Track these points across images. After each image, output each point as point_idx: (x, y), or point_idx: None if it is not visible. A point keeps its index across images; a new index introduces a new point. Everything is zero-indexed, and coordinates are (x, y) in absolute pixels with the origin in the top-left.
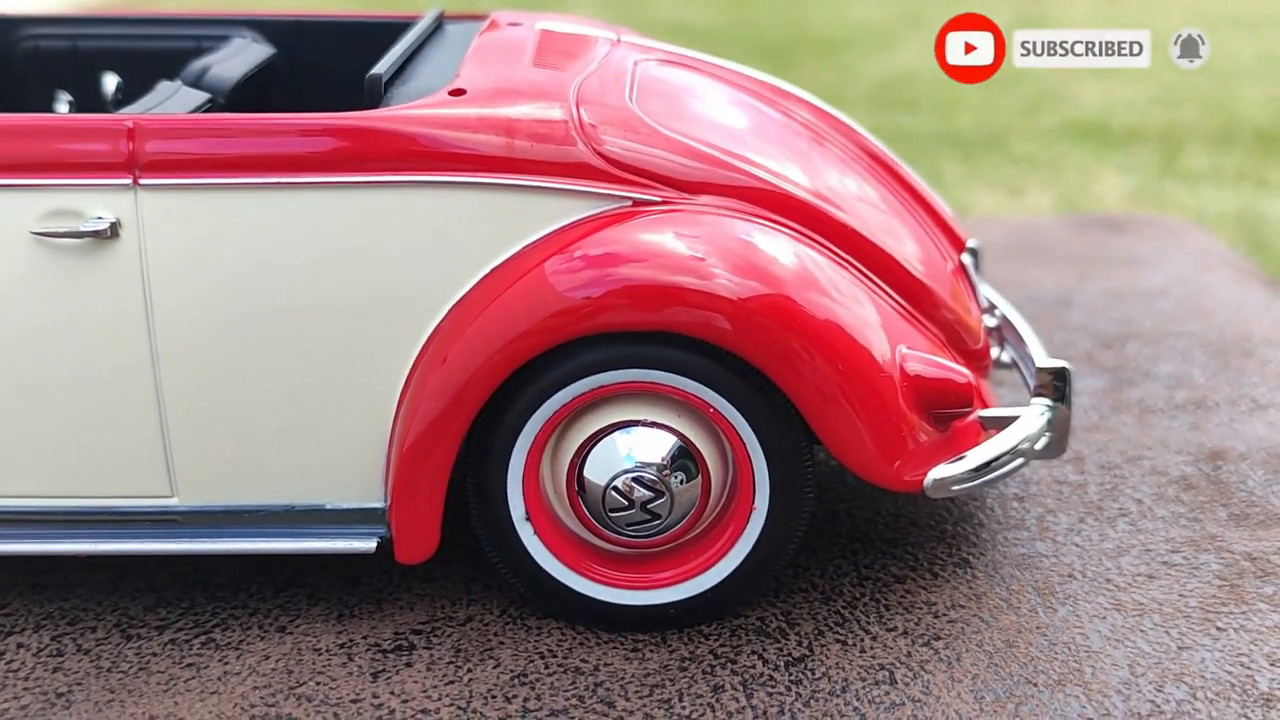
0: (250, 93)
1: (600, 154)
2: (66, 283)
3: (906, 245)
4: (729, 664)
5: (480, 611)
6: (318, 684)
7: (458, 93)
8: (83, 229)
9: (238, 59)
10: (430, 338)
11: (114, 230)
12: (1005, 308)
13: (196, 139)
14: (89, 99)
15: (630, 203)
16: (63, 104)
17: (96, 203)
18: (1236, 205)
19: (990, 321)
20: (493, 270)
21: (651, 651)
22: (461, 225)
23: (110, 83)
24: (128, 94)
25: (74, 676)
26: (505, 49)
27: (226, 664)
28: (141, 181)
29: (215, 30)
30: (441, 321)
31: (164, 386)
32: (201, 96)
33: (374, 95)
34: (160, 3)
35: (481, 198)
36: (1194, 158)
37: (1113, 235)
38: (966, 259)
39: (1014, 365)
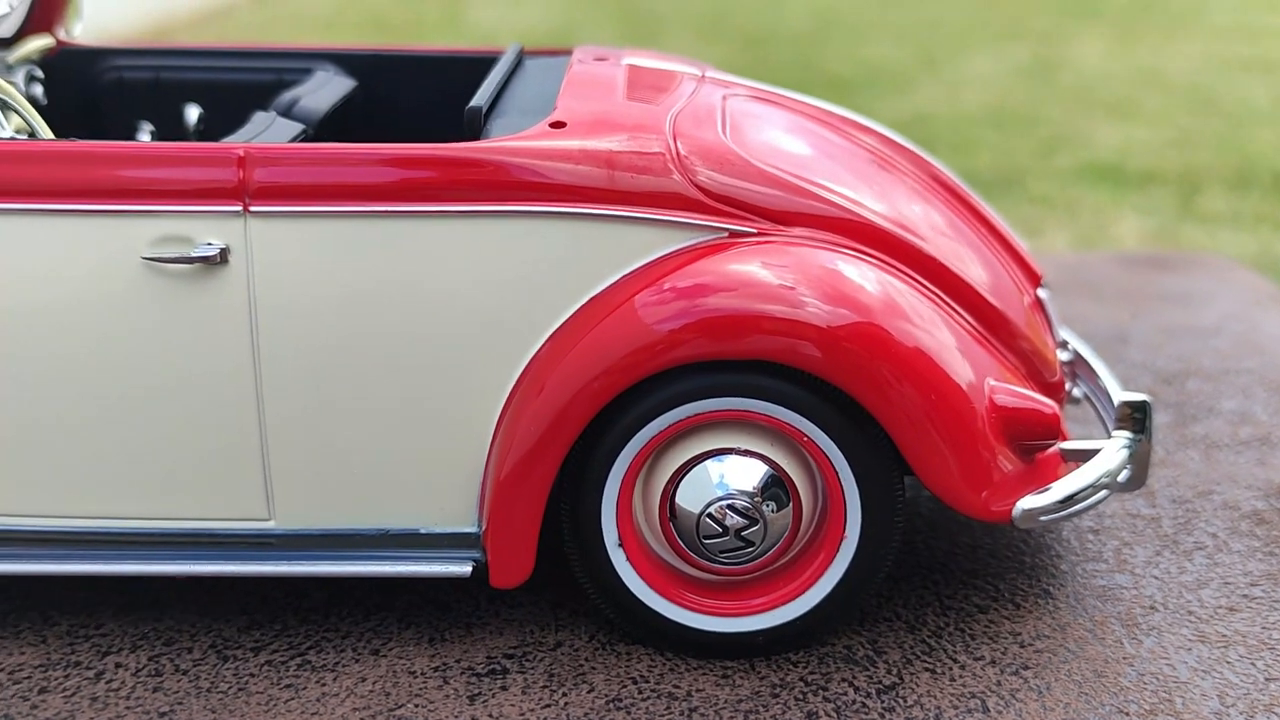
0: (334, 124)
1: (697, 186)
2: (175, 307)
3: (987, 277)
4: (820, 691)
5: (569, 637)
6: (416, 706)
7: (558, 125)
8: (193, 255)
9: (324, 91)
10: (528, 366)
11: (224, 256)
12: (1076, 342)
13: (306, 167)
14: (170, 129)
15: (726, 234)
16: (144, 134)
17: (207, 229)
18: (1255, 248)
19: (1064, 356)
20: (591, 300)
21: (741, 678)
22: (561, 255)
23: (192, 113)
24: (209, 125)
25: (175, 696)
26: (597, 83)
27: (324, 685)
28: (252, 208)
29: (295, 63)
30: (539, 350)
31: (266, 411)
32: (297, 127)
33: (474, 127)
34: (232, 36)
35: (581, 228)
36: (1211, 200)
37: (1160, 272)
38: (1043, 293)
39: (1085, 400)
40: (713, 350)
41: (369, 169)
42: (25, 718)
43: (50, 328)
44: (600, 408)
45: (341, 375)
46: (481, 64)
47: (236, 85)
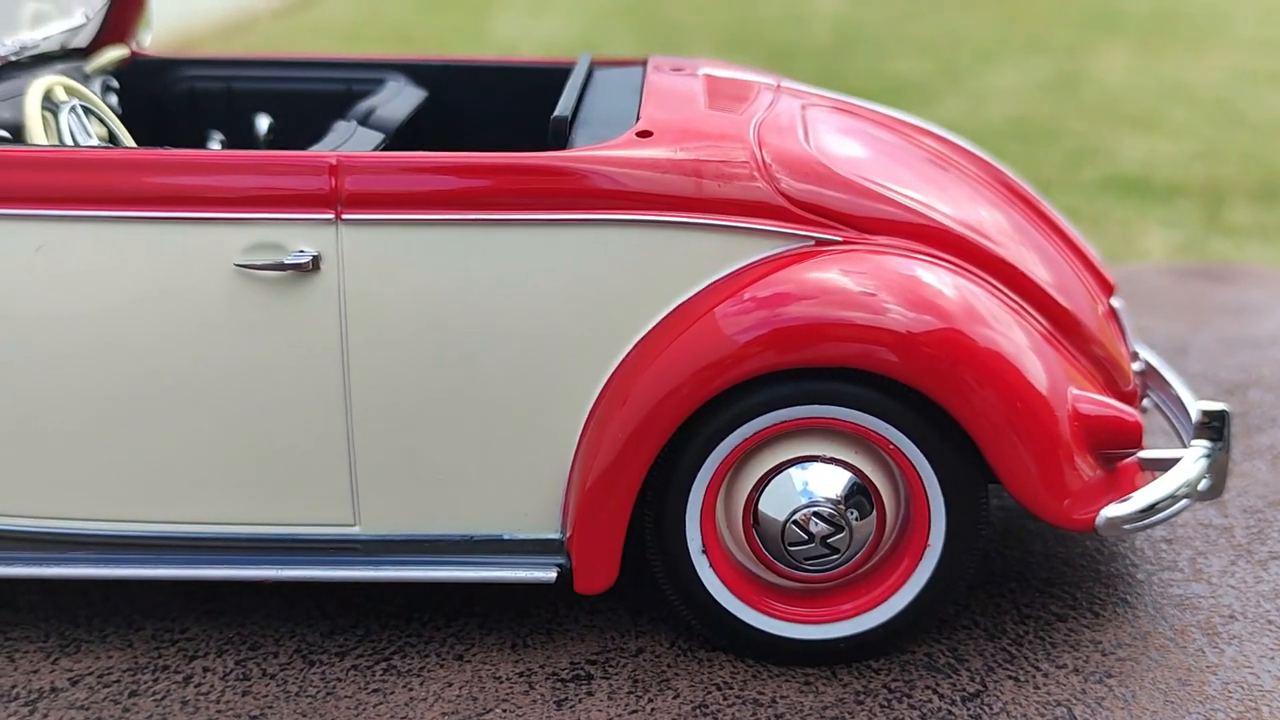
0: (407, 134)
1: (783, 194)
2: (266, 314)
3: (1064, 287)
4: (904, 698)
5: (650, 644)
6: (504, 711)
7: (645, 134)
8: (286, 262)
9: (398, 101)
10: (614, 374)
11: (315, 264)
12: (1146, 352)
13: (397, 175)
14: (240, 139)
15: (813, 242)
16: (215, 143)
17: (299, 236)
18: None
19: (1135, 367)
20: (676, 308)
21: (824, 685)
22: (648, 264)
23: (263, 123)
24: (279, 134)
25: (264, 700)
26: (678, 93)
27: (411, 690)
28: (344, 216)
29: (365, 74)
30: (625, 358)
31: (354, 417)
32: (377, 136)
33: (559, 136)
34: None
35: (668, 236)
36: (1237, 213)
37: (1214, 284)
38: (1116, 303)
39: (1156, 410)
40: (796, 359)
41: (459, 177)
42: None
43: (142, 334)
44: (684, 418)
45: (429, 382)
46: (548, 74)
47: (306, 95)
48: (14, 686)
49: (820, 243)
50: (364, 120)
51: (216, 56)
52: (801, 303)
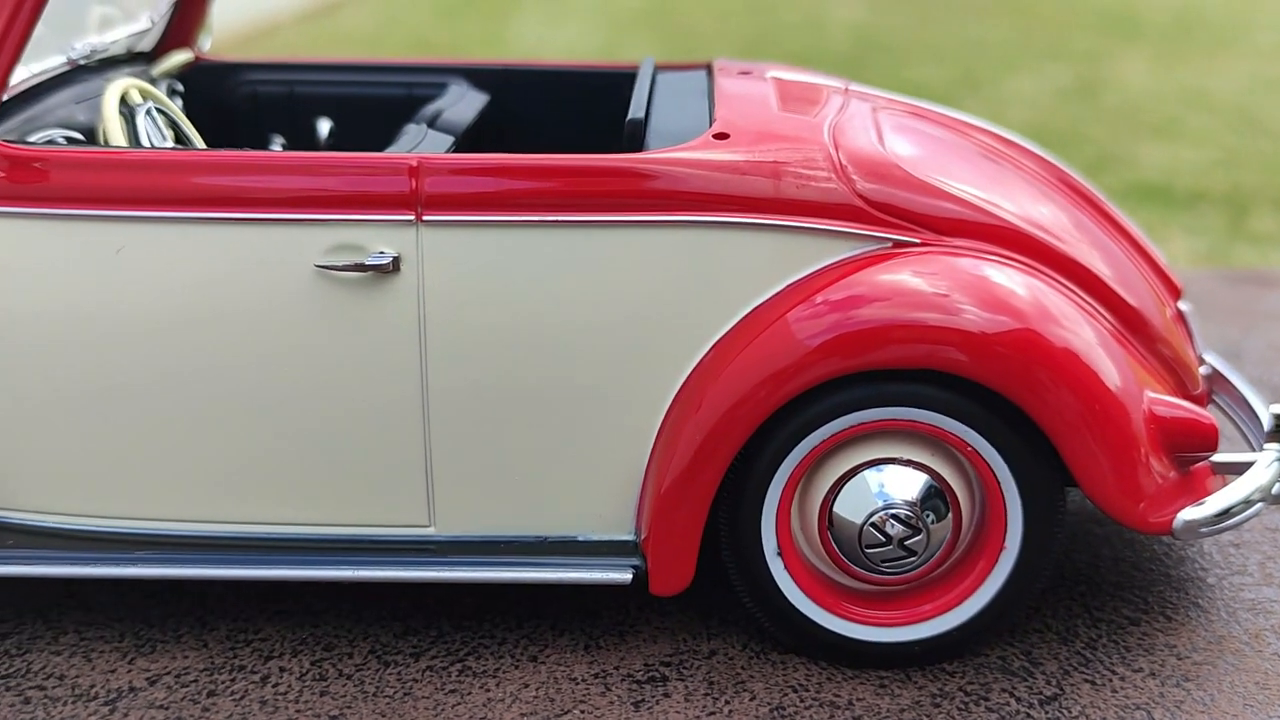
0: (471, 137)
1: (860, 195)
2: (346, 315)
3: (1130, 285)
4: (981, 701)
5: (723, 646)
6: (582, 712)
7: (722, 136)
8: (366, 263)
9: (463, 104)
10: (690, 377)
11: (395, 265)
12: (1211, 357)
13: (477, 177)
14: (301, 142)
15: (890, 244)
16: (276, 146)
17: (379, 238)
18: None
19: (1203, 370)
20: (754, 310)
21: (900, 687)
22: (725, 266)
23: (324, 127)
24: (340, 138)
25: (342, 700)
26: (751, 96)
27: (488, 691)
28: (424, 218)
29: (426, 78)
30: (701, 360)
31: (431, 418)
32: (448, 139)
33: (635, 138)
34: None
35: (746, 238)
36: (1261, 220)
37: (1265, 289)
38: (1184, 306)
39: (1222, 414)
40: (869, 361)
41: (539, 179)
42: None
43: (222, 334)
44: (758, 425)
45: (506, 384)
46: (609, 78)
47: (367, 99)
48: (92, 686)
49: (898, 245)
50: (432, 123)
51: (278, 60)
52: (875, 305)
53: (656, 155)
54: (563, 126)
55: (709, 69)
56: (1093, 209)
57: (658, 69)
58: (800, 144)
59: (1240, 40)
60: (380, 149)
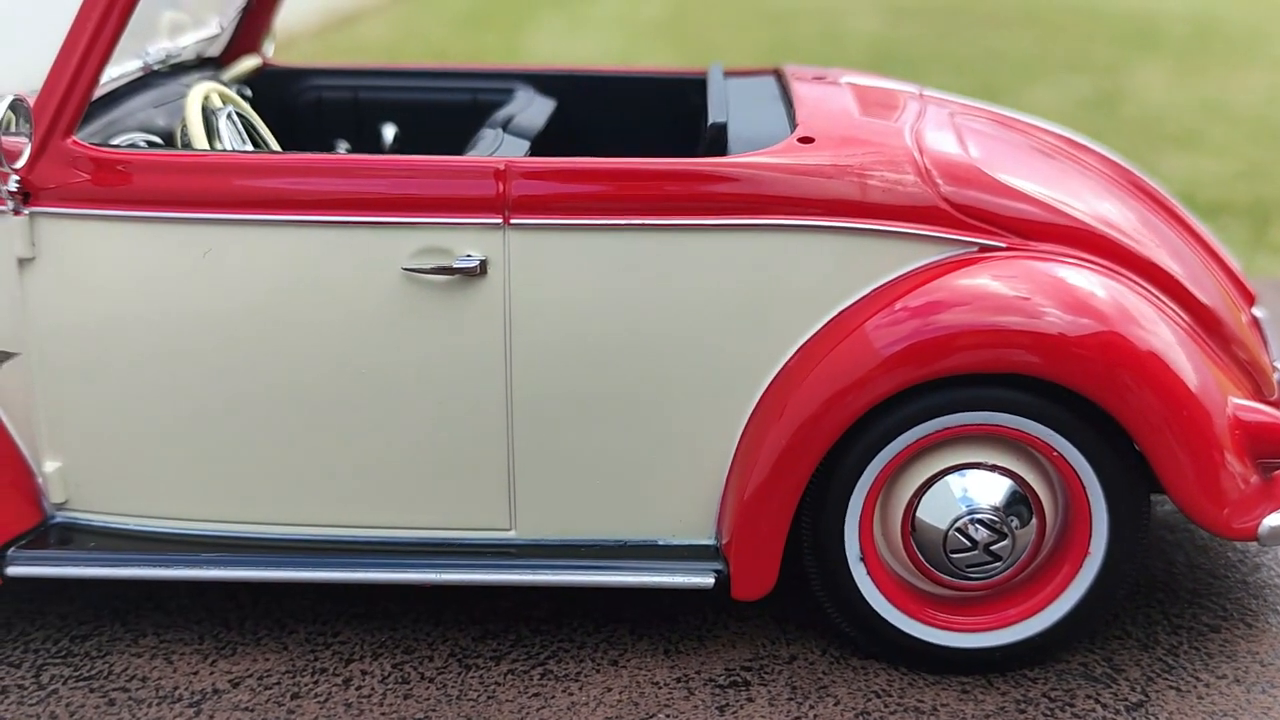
0: (540, 142)
1: (946, 200)
2: (432, 318)
3: (1208, 290)
4: (1067, 707)
5: (802, 650)
6: (667, 716)
7: (806, 140)
8: (454, 266)
9: (533, 109)
10: (773, 382)
11: (483, 268)
12: None
13: (564, 181)
14: (366, 147)
15: (977, 248)
16: (341, 151)
17: (467, 241)
18: None
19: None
20: (837, 315)
21: (982, 693)
22: (811, 270)
23: (388, 132)
24: (404, 143)
25: (427, 704)
26: (829, 100)
27: (571, 695)
28: (512, 221)
29: (491, 83)
30: (786, 364)
31: (515, 421)
32: (523, 143)
33: (718, 143)
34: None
35: (833, 243)
36: None
37: None
38: (1259, 312)
39: None
40: (952, 366)
41: (625, 182)
42: None
43: (307, 337)
44: (841, 431)
45: (589, 387)
46: (674, 84)
47: (432, 105)
48: (176, 687)
49: (984, 249)
50: (504, 128)
51: (344, 66)
52: (955, 310)
53: (744, 159)
54: (629, 132)
55: (778, 75)
56: (1163, 210)
57: (725, 75)
58: (885, 148)
59: (1260, 51)
60: (445, 154)
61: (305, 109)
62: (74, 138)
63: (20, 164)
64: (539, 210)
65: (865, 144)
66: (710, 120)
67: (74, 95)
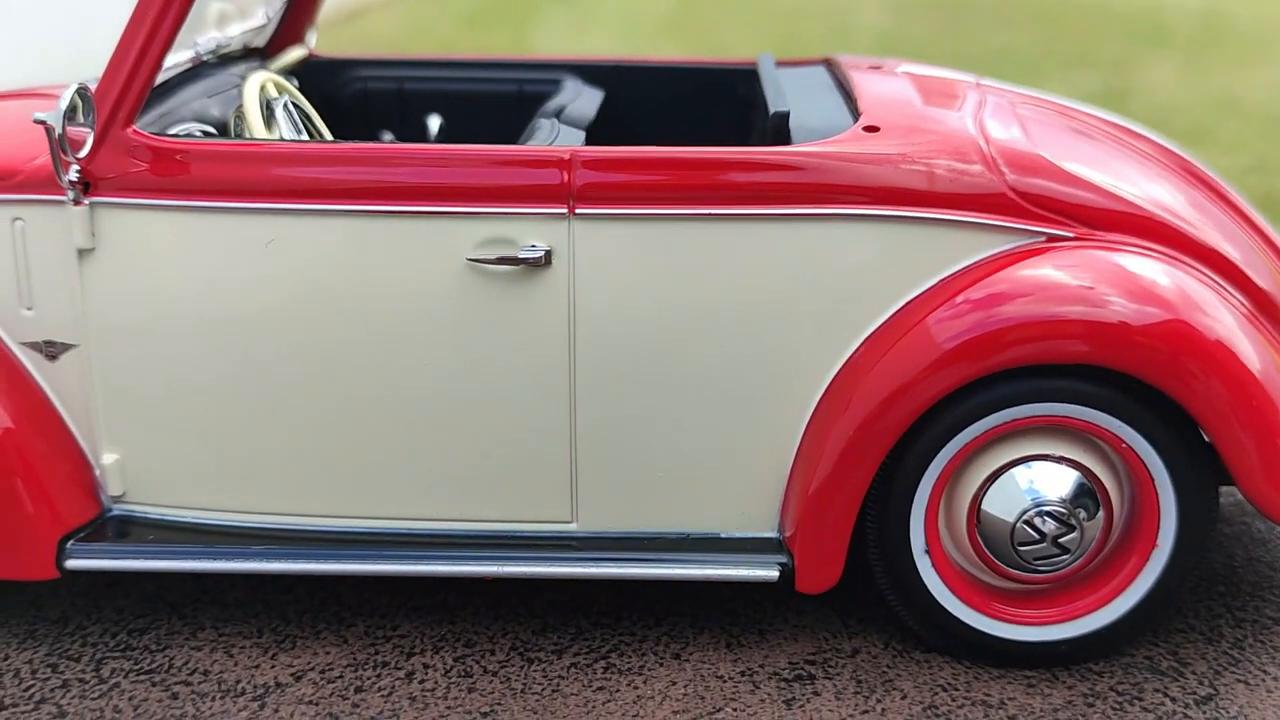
0: (592, 133)
1: (1013, 189)
2: (496, 309)
3: (1268, 279)
4: (1135, 701)
5: (864, 644)
6: (734, 710)
7: (872, 129)
8: (519, 256)
9: (583, 100)
10: (838, 374)
11: (548, 258)
12: None
13: (630, 170)
14: (411, 138)
15: (1044, 238)
16: (386, 142)
17: (531, 231)
18: None
19: None
20: (904, 306)
21: (1049, 687)
22: (877, 260)
23: (434, 123)
24: (450, 134)
25: (491, 697)
26: (889, 89)
27: (636, 689)
28: (577, 211)
29: (538, 74)
30: (851, 357)
31: (578, 412)
32: (579, 134)
33: (781, 132)
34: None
35: (899, 232)
36: None
37: None
38: None
39: None
40: (1020, 358)
41: (691, 172)
42: (349, 717)
43: (369, 327)
44: (908, 425)
45: (653, 379)
46: (722, 75)
47: (477, 95)
48: (238, 681)
49: (1052, 239)
50: (557, 118)
51: (389, 57)
52: (1018, 301)
53: (811, 148)
54: (676, 123)
55: (829, 64)
56: (1216, 194)
57: (776, 65)
58: (951, 137)
59: (1269, 47)
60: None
61: (350, 99)
62: (134, 127)
63: (83, 154)
64: (604, 200)
65: (931, 133)
66: (772, 109)
67: (135, 84)
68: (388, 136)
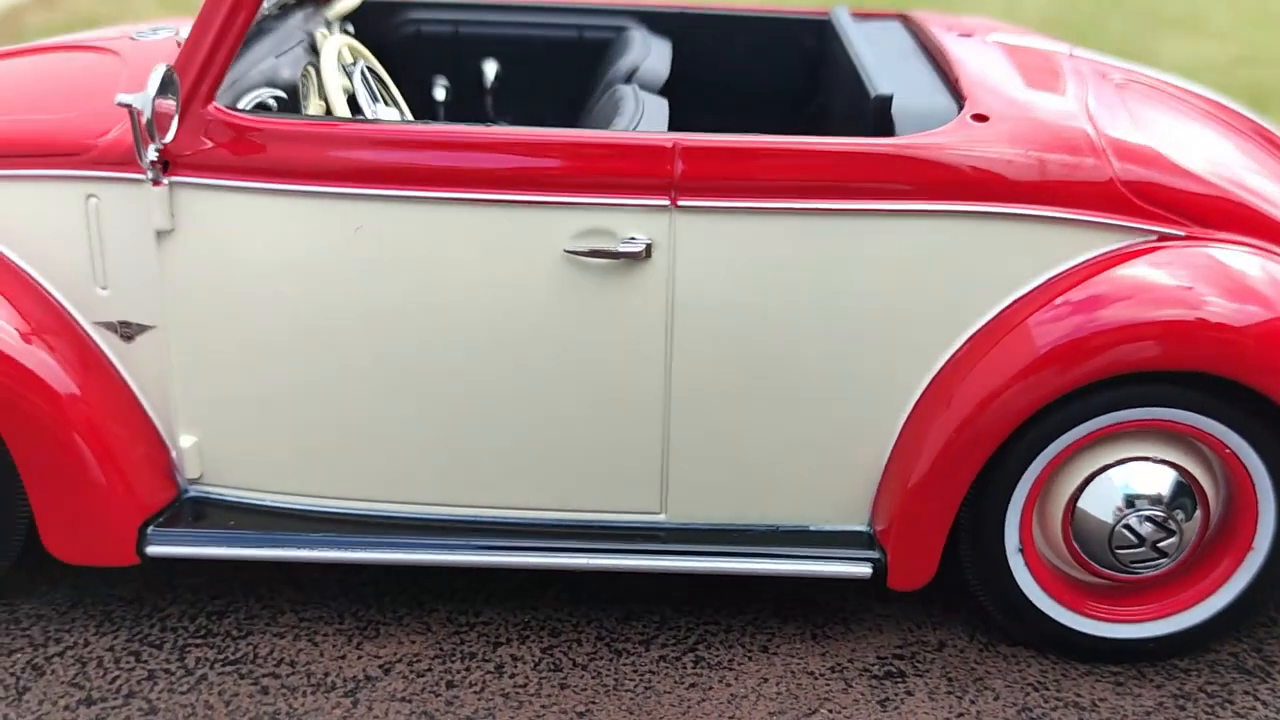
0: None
1: (1126, 185)
2: (593, 301)
3: None
4: (1226, 705)
5: (950, 637)
6: (830, 711)
7: (980, 118)
8: (619, 250)
9: (655, 57)
10: (941, 371)
11: (648, 251)
12: None
13: (735, 162)
14: (466, 84)
15: (1155, 237)
16: (439, 88)
17: (632, 223)
18: None
19: None
20: (1011, 304)
21: (1137, 686)
22: (984, 257)
23: (490, 68)
24: (505, 80)
25: (585, 695)
26: (989, 66)
27: (729, 686)
28: (680, 203)
29: (599, 19)
30: (954, 354)
31: (672, 404)
32: (662, 102)
33: (885, 118)
34: None
35: (1007, 229)
36: None
37: None
38: None
39: None
40: (1134, 361)
41: (799, 164)
42: (444, 715)
43: (461, 316)
44: (1011, 429)
45: (749, 372)
46: (792, 25)
47: (535, 41)
48: (327, 674)
49: (1163, 238)
50: (627, 80)
51: (446, 0)
52: (1121, 304)
53: (923, 140)
54: (742, 73)
55: (905, 21)
56: None
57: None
58: (1062, 128)
59: None
60: (548, 93)
61: (403, 43)
62: (215, 104)
63: (169, 138)
64: (708, 192)
65: (1041, 122)
66: (873, 91)
67: (217, 59)
68: (441, 82)
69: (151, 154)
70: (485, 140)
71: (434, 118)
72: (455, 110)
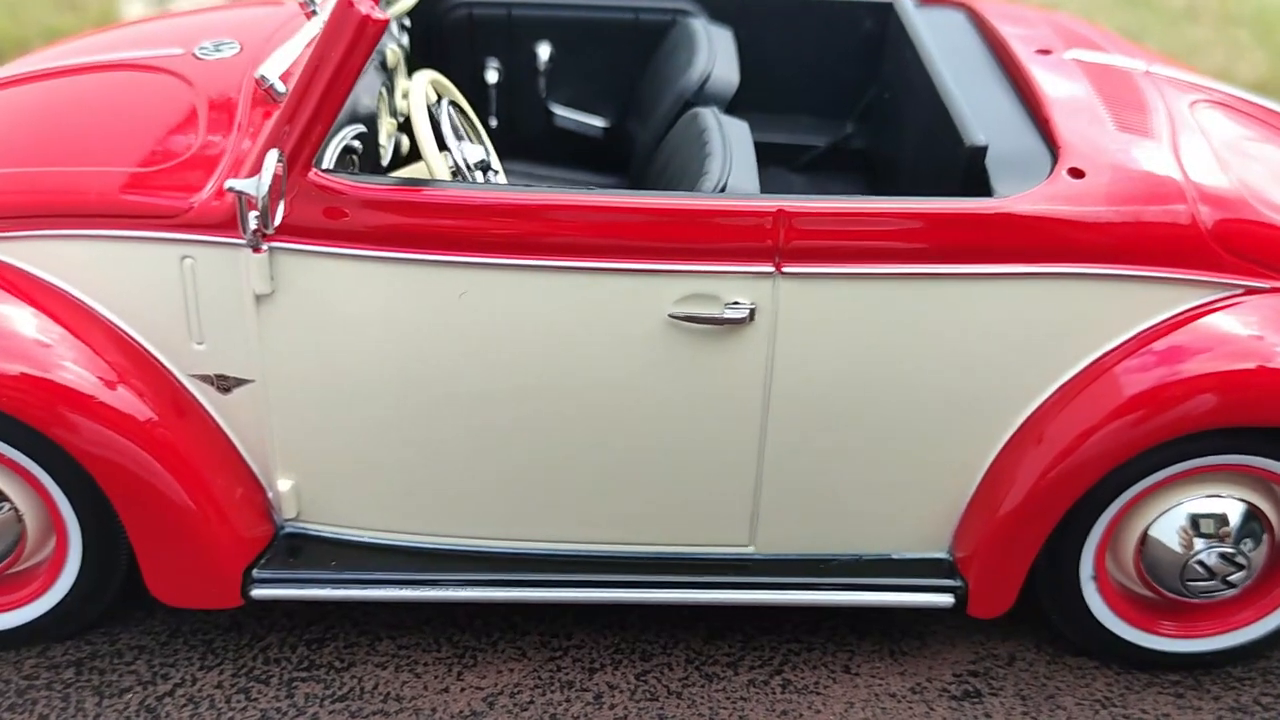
0: None
1: (1217, 240)
2: (694, 363)
3: None
4: None
5: (1017, 649)
6: None
7: (1076, 173)
8: (724, 316)
9: (723, 59)
10: (1031, 415)
11: (751, 316)
12: None
13: (838, 226)
14: (519, 68)
15: (1242, 290)
16: (492, 71)
17: (736, 288)
18: None
19: None
20: (1100, 357)
21: (1196, 698)
22: (1078, 315)
23: (543, 52)
24: (560, 64)
25: None
26: (1077, 101)
27: (818, 713)
28: (784, 269)
29: (655, 2)
30: (1044, 403)
31: (766, 457)
32: (745, 131)
33: (979, 173)
34: None
35: (1097, 288)
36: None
37: None
38: None
39: None
40: (1216, 419)
41: (903, 228)
42: None
43: (562, 375)
44: (1099, 477)
45: (844, 425)
46: (850, 9)
47: (589, 24)
48: (434, 711)
49: (1250, 291)
50: (698, 94)
51: None
52: (1202, 357)
53: (1024, 207)
54: (805, 60)
55: (970, 13)
56: None
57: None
58: (1155, 180)
59: None
60: (603, 76)
61: (455, 26)
62: (315, 170)
63: (279, 220)
64: (813, 258)
65: (1136, 178)
66: (967, 140)
67: (316, 128)
68: (494, 64)
69: (253, 223)
70: (588, 206)
71: (486, 101)
72: (508, 94)
